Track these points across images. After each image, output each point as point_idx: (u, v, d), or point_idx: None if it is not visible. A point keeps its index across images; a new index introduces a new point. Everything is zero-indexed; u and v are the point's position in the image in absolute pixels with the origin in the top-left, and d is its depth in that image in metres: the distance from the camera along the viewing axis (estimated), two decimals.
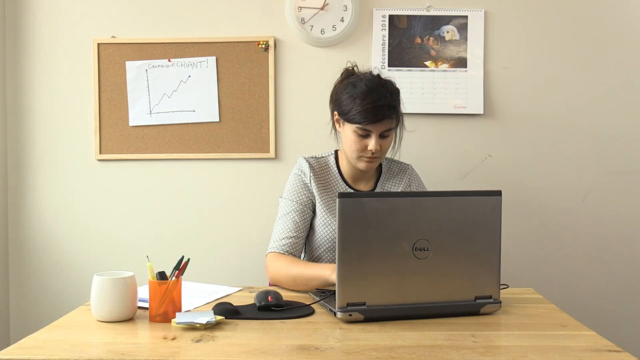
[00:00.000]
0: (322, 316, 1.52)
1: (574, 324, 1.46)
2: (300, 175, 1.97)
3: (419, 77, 2.50)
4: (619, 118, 2.52)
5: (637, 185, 2.54)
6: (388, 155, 2.03)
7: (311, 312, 1.54)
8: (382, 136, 1.87)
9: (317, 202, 1.95)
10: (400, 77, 2.49)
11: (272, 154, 2.52)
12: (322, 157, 2.05)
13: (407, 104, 2.50)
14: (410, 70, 2.49)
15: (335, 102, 1.95)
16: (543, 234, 2.54)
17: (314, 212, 1.97)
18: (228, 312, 1.50)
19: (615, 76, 2.51)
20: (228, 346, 1.27)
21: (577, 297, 2.54)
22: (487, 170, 2.53)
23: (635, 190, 2.54)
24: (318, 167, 2.00)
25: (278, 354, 1.23)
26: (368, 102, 1.82)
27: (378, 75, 1.92)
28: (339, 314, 1.44)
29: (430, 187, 2.43)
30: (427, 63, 2.50)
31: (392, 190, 2.02)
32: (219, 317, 1.45)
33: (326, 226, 1.94)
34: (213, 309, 1.52)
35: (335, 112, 1.95)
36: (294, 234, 1.89)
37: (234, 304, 1.57)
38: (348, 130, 1.89)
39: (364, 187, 2.02)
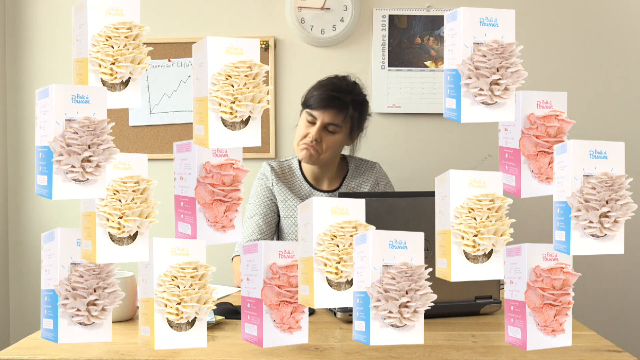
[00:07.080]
0: (322, 316, 1.52)
1: (574, 324, 1.46)
2: (262, 179, 2.05)
3: (419, 77, 2.50)
4: (619, 118, 2.51)
5: (637, 185, 2.53)
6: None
7: (311, 312, 1.54)
8: (326, 130, 1.93)
9: (279, 204, 2.02)
10: (400, 77, 2.49)
11: (272, 154, 2.51)
12: (286, 160, 2.11)
13: (407, 104, 2.50)
14: (410, 70, 2.49)
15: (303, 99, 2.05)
16: (543, 234, 2.54)
17: (278, 214, 2.03)
18: (228, 312, 1.50)
19: (615, 76, 2.51)
20: (228, 346, 1.27)
21: (577, 297, 2.53)
22: (487, 170, 2.52)
23: (636, 190, 2.53)
24: (280, 170, 2.06)
25: (278, 354, 1.23)
26: (322, 91, 1.94)
27: (345, 76, 2.02)
28: (339, 314, 1.44)
29: (430, 187, 2.42)
30: (427, 63, 2.50)
31: (358, 188, 2.07)
32: (219, 317, 1.45)
33: (291, 227, 2.00)
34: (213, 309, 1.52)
35: (302, 108, 2.02)
36: (257, 237, 1.94)
37: (234, 304, 1.57)
38: (301, 119, 1.98)
39: (327, 186, 2.07)
